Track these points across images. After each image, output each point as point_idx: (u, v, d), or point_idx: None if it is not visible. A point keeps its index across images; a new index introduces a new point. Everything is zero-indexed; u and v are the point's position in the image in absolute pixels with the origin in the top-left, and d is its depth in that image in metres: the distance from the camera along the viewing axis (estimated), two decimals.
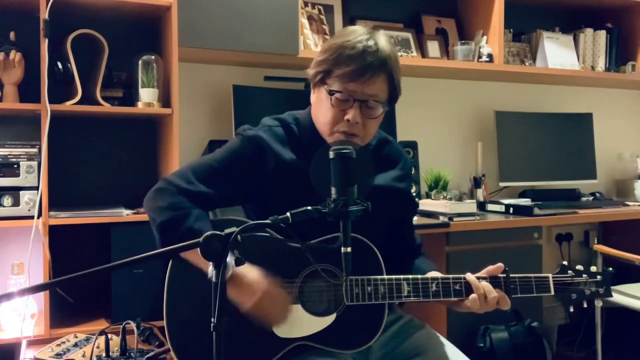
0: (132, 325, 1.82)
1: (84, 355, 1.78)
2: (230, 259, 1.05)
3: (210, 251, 1.02)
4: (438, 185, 2.87)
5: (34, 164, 2.06)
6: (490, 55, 2.89)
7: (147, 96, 2.20)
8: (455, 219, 2.47)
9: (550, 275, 1.44)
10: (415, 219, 2.36)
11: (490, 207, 2.86)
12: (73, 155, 2.37)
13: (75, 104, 2.07)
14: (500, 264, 1.42)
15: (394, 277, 1.39)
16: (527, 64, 3.18)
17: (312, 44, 2.60)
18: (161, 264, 1.41)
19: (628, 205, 3.10)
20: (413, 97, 3.06)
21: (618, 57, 3.35)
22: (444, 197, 2.71)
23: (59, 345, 1.87)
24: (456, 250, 2.46)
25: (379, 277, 1.38)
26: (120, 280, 2.11)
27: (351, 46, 1.36)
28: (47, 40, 2.01)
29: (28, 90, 2.09)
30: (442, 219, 2.48)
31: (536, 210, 2.65)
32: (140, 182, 2.31)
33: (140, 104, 2.21)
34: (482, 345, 2.39)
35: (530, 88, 3.40)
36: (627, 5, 3.31)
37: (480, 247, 2.49)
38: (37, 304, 2.11)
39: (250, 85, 2.58)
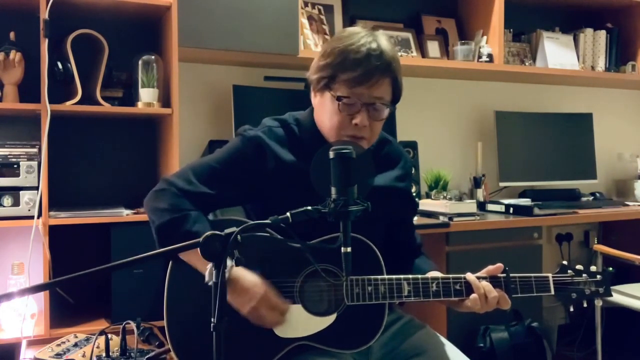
0: (132, 325, 1.82)
1: (84, 355, 1.78)
2: (229, 261, 1.05)
3: (210, 251, 1.02)
4: (438, 185, 2.87)
5: (34, 164, 2.06)
6: (490, 55, 2.89)
7: (147, 96, 2.20)
8: (455, 219, 2.47)
9: (550, 275, 1.44)
10: (415, 219, 2.36)
11: (490, 207, 2.86)
12: (73, 155, 2.37)
13: (75, 104, 2.07)
14: (499, 264, 1.42)
15: (394, 277, 1.39)
16: (527, 64, 3.18)
17: (312, 44, 2.60)
18: (161, 264, 1.41)
19: (628, 205, 3.11)
20: (413, 97, 3.06)
21: (618, 57, 3.35)
22: (444, 197, 2.71)
23: (59, 345, 1.87)
24: (456, 250, 2.46)
25: (379, 277, 1.38)
26: (120, 280, 2.11)
27: (355, 50, 1.35)
28: (47, 40, 2.01)
29: (28, 90, 2.09)
30: (442, 219, 2.48)
31: (536, 210, 2.65)
32: (140, 182, 2.31)
33: (140, 104, 2.21)
34: (482, 345, 2.39)
35: (530, 88, 3.40)
36: (627, 5, 3.31)
37: (480, 247, 2.49)
38: (37, 304, 2.11)
39: (250, 85, 2.58)
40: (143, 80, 2.21)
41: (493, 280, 1.40)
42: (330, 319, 1.38)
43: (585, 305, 1.46)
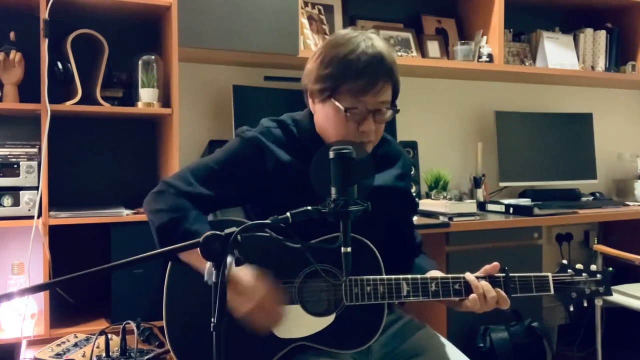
0: (132, 325, 1.82)
1: (84, 355, 1.78)
2: (229, 260, 1.05)
3: (210, 251, 1.02)
4: (438, 185, 2.87)
5: (34, 164, 2.06)
6: (490, 55, 2.89)
7: (147, 96, 2.20)
8: (455, 219, 2.47)
9: (550, 274, 1.44)
10: (415, 219, 2.36)
11: (490, 207, 2.86)
12: (73, 155, 2.37)
13: (75, 104, 2.07)
14: (496, 263, 1.42)
15: (393, 277, 1.39)
16: (527, 64, 3.18)
17: (312, 44, 2.60)
18: (161, 264, 1.41)
19: (628, 205, 3.10)
20: (413, 97, 3.06)
21: (618, 57, 3.35)
22: (444, 197, 2.71)
23: (59, 345, 1.87)
24: (456, 250, 2.46)
25: (378, 277, 1.38)
26: (120, 280, 2.11)
27: (356, 59, 1.34)
28: (47, 40, 2.01)
29: (28, 90, 2.09)
30: (442, 219, 2.48)
31: (536, 210, 2.65)
32: (140, 182, 2.32)
33: (140, 104, 2.21)
34: (482, 345, 2.39)
35: (530, 88, 3.40)
36: (627, 5, 3.31)
37: (480, 247, 2.49)
38: (37, 304, 2.11)
39: (250, 85, 2.58)
40: (143, 80, 2.21)
41: (492, 280, 1.40)
42: (330, 319, 1.38)
43: (585, 304, 1.46)
